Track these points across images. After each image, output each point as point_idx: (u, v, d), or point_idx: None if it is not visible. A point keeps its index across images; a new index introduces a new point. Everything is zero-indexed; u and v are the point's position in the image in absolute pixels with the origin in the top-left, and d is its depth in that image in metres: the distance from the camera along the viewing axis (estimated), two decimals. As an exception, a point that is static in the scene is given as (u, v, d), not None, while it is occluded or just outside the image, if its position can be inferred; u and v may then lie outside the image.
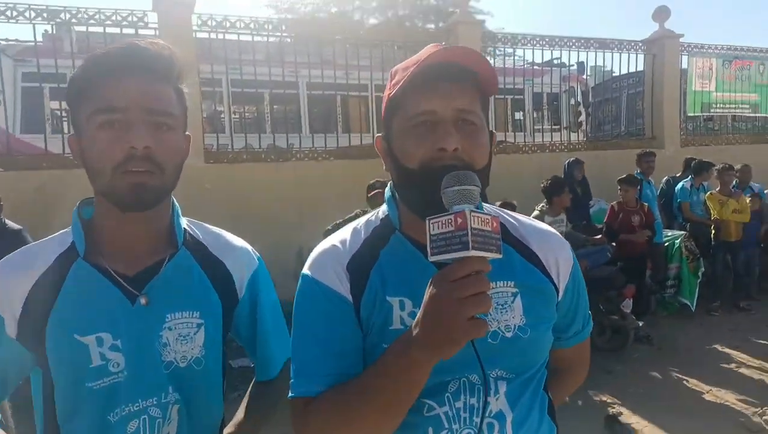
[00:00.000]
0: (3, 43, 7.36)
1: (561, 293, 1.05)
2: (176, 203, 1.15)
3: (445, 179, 0.82)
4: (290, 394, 0.97)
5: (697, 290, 6.16)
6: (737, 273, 6.59)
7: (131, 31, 6.15)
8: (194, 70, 6.29)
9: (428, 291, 0.79)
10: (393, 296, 0.96)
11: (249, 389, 1.31)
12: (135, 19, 6.25)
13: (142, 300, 1.04)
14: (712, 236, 6.66)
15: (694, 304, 6.12)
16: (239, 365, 4.78)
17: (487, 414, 0.94)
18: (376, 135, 1.06)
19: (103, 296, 1.03)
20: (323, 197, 6.47)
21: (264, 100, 8.17)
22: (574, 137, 8.97)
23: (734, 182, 6.86)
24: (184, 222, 1.16)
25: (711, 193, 6.67)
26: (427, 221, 0.79)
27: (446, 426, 0.94)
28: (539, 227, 1.10)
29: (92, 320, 1.01)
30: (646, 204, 6.06)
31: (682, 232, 6.55)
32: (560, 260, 1.06)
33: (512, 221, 1.07)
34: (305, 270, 1.03)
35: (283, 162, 6.64)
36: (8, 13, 5.58)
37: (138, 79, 1.00)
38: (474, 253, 0.75)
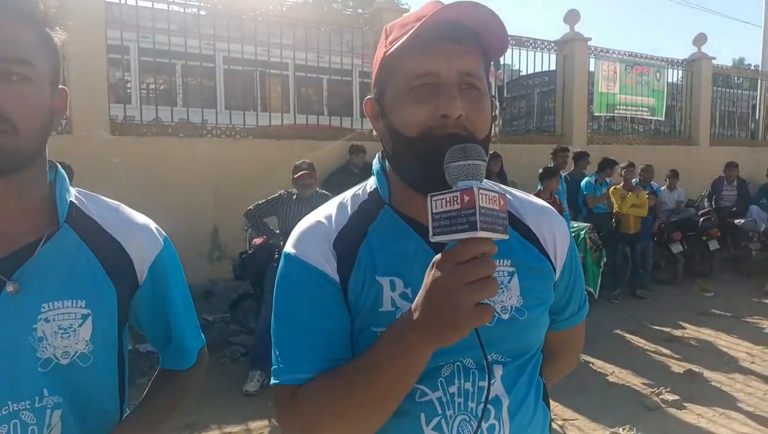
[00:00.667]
0: None
1: (558, 273, 1.00)
2: (62, 172, 0.98)
3: (450, 152, 0.74)
4: (274, 381, 0.89)
5: (599, 278, 6.55)
6: (635, 264, 7.09)
7: (27, -15, 5.56)
8: (101, 35, 5.81)
9: (430, 274, 0.73)
10: (383, 276, 0.89)
11: (154, 378, 1.16)
12: (32, -28, 5.66)
13: (10, 288, 0.88)
14: (613, 228, 7.11)
15: (597, 292, 6.50)
16: (147, 349, 4.50)
17: (484, 399, 0.88)
18: (366, 97, 0.96)
19: None
20: (241, 177, 6.22)
21: (176, 72, 7.71)
22: (489, 129, 9.22)
23: (637, 179, 7.35)
24: (72, 195, 0.99)
25: (615, 187, 7.11)
26: (428, 198, 0.72)
27: (440, 412, 0.88)
28: (536, 203, 1.03)
29: None
30: (557, 196, 6.35)
31: (587, 224, 6.92)
32: (557, 238, 1.00)
33: (506, 194, 1.01)
34: (288, 249, 0.93)
35: (198, 138, 6.30)
36: None
37: None
38: (482, 234, 0.69)
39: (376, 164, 0.99)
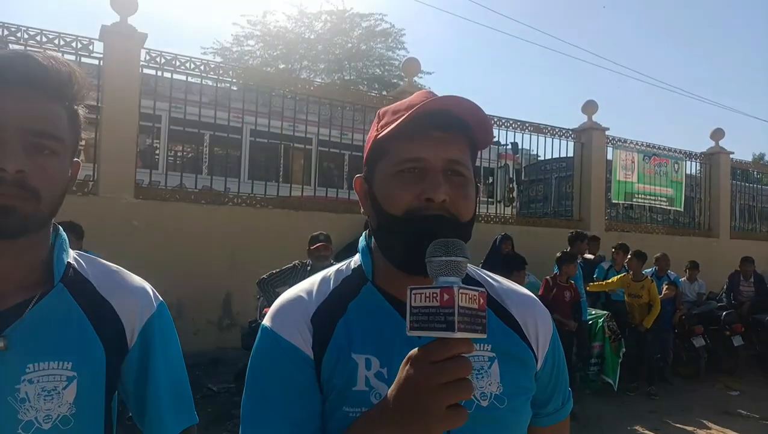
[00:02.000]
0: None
1: (540, 363, 0.98)
2: (62, 235, 1.01)
3: (432, 246, 0.74)
4: None
5: (618, 369, 6.30)
6: (648, 355, 6.73)
7: (72, 58, 5.88)
8: (135, 103, 6.08)
9: (404, 370, 0.72)
10: (359, 354, 0.88)
11: None
12: (79, 45, 6.01)
13: (0, 343, 0.86)
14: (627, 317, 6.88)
15: (616, 383, 6.25)
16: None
17: None
18: (356, 175, 1.00)
19: None
20: (258, 246, 6.26)
21: (204, 141, 7.98)
22: (506, 211, 9.28)
23: (651, 269, 7.21)
24: (70, 256, 1.00)
25: (625, 274, 6.93)
26: (408, 291, 0.72)
27: None
28: (518, 290, 1.04)
29: None
30: (573, 282, 6.23)
31: (605, 312, 6.74)
32: (540, 326, 0.99)
33: (490, 280, 1.02)
34: (265, 322, 0.93)
35: (219, 206, 6.41)
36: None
37: (21, 94, 0.87)
38: (459, 335, 0.68)
39: (362, 241, 1.00)
